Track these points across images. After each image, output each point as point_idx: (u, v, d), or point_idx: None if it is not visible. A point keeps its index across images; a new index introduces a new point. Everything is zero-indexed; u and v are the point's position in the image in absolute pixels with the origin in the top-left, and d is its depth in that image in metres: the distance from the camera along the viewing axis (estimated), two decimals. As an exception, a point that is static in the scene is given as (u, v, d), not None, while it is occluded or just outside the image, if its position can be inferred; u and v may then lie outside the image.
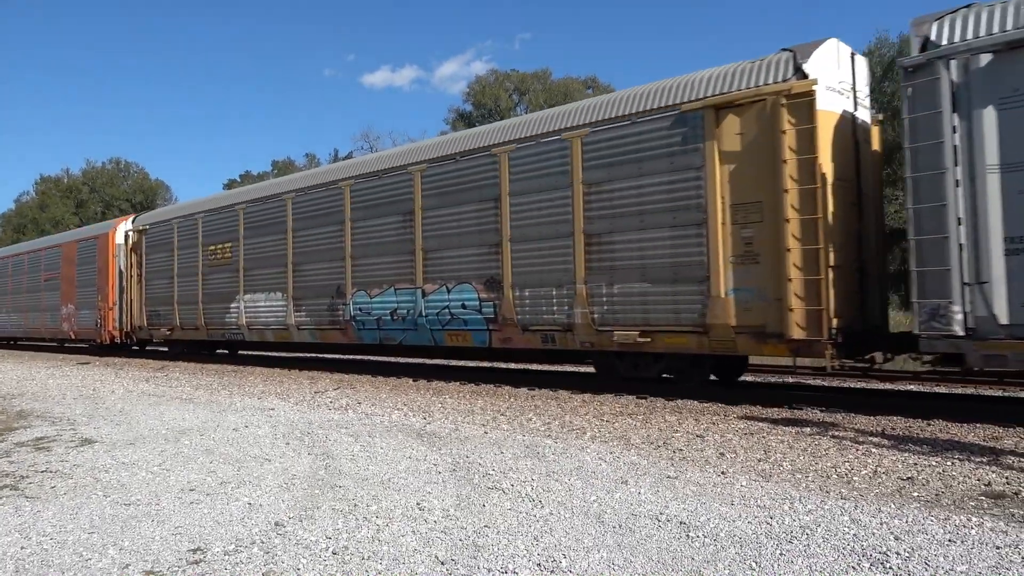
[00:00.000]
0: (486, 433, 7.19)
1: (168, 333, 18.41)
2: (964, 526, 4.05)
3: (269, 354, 19.63)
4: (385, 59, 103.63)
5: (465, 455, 6.10)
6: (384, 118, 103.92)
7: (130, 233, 20.25)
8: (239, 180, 63.42)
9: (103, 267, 20.90)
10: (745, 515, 4.31)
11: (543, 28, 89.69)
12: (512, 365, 14.67)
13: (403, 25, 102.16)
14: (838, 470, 5.42)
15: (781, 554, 3.67)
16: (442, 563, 3.65)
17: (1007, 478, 5.11)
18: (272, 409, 9.18)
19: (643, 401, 9.19)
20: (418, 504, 4.68)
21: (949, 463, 5.58)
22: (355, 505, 4.68)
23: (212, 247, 16.93)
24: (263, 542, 4.02)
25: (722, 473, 5.37)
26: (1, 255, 28.53)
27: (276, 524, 4.33)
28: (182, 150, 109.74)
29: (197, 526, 4.34)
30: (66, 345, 25.29)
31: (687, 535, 3.98)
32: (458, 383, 11.73)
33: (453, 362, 15.37)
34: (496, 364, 15.00)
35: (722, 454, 6.05)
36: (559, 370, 14.02)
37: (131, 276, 19.90)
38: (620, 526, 4.16)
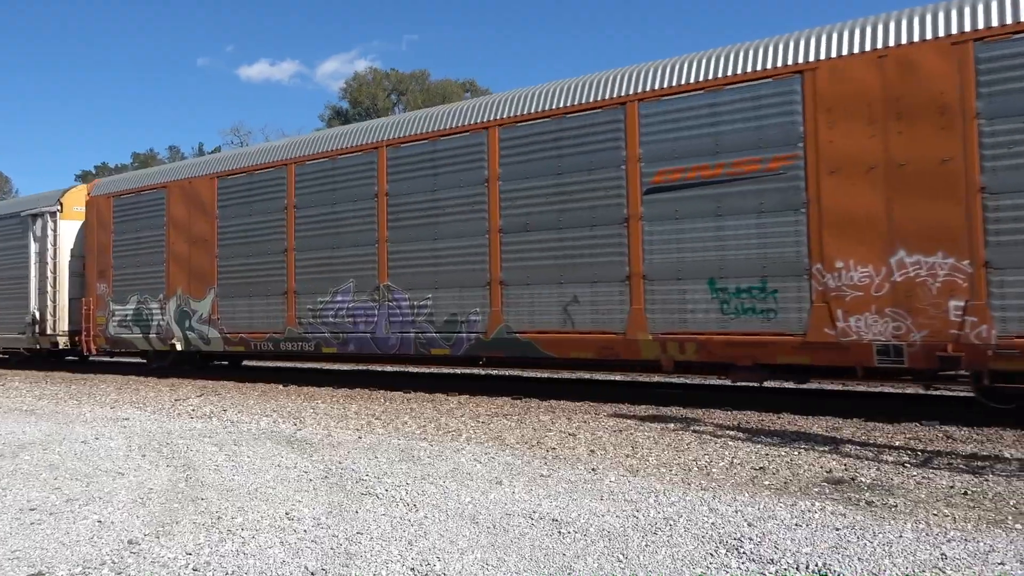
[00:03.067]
0: (360, 438, 7.05)
1: None
2: (809, 511, 4.40)
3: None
4: (265, 52, 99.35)
5: (338, 461, 5.96)
6: (259, 112, 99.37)
7: None
8: (94, 172, 58.91)
9: None
10: (614, 509, 4.47)
11: (431, 30, 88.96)
12: (390, 368, 14.48)
13: (287, 19, 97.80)
14: (699, 463, 5.73)
15: (647, 545, 3.83)
16: (312, 573, 3.55)
17: (845, 465, 5.59)
18: (127, 419, 8.57)
19: (518, 402, 9.33)
20: (287, 513, 4.52)
21: (796, 453, 6.03)
22: (219, 518, 4.46)
23: None
24: (114, 562, 3.75)
25: (593, 470, 5.54)
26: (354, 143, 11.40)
27: (130, 542, 4.05)
28: (27, 141, 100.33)
29: (39, 548, 3.98)
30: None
31: (559, 532, 4.08)
32: (330, 387, 11.44)
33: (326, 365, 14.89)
34: (371, 367, 14.76)
35: (593, 451, 6.24)
36: (435, 371, 13.99)
37: None
38: (494, 526, 4.20)
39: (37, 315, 15.66)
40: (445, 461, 5.90)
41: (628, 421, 7.68)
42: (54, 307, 15.47)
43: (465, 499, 4.76)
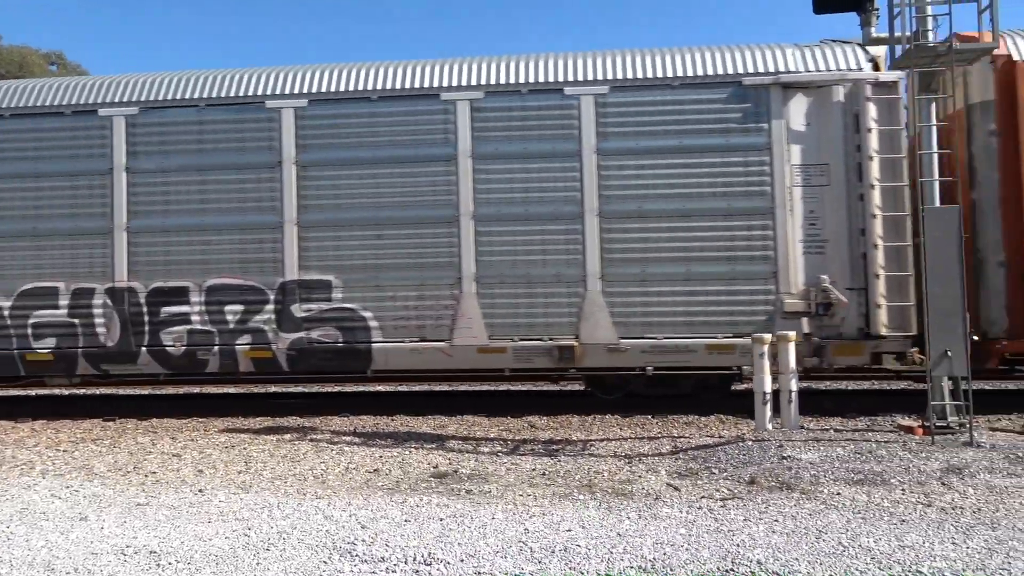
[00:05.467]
0: None
1: None
2: (417, 506, 4.69)
3: None
4: None
5: None
6: None
7: None
8: None
9: None
10: (223, 531, 4.21)
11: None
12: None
13: None
14: (314, 471, 5.71)
15: (258, 563, 3.69)
16: None
17: (450, 459, 6.09)
18: None
19: (111, 424, 8.24)
20: None
21: (407, 452, 6.39)
22: None
23: None
24: None
25: (200, 491, 5.15)
26: None
27: None
28: None
29: None
30: None
31: (157, 564, 3.70)
32: None
33: None
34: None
35: (200, 471, 5.80)
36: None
37: None
38: (76, 570, 3.64)
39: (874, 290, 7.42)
40: (11, 501, 4.94)
41: (242, 435, 7.31)
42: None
43: (37, 543, 4.04)
